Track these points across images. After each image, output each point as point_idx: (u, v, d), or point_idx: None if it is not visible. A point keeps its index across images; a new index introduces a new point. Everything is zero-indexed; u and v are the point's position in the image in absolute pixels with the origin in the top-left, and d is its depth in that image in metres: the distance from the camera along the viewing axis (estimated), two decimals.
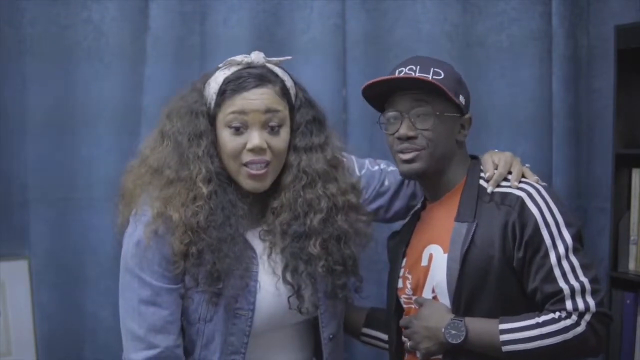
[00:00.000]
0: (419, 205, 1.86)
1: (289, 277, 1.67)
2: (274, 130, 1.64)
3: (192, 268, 1.60)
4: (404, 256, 1.80)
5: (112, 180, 2.04)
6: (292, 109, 1.70)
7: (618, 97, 2.26)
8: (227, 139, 1.64)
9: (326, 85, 2.34)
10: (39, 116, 2.30)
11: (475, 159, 1.80)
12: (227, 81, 1.64)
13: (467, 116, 1.75)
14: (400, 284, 1.79)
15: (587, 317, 1.57)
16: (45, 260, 2.32)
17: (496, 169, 1.72)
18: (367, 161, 1.91)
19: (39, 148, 2.30)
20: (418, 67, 1.68)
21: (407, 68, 1.69)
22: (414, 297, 1.74)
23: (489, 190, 1.68)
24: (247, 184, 1.65)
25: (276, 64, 1.71)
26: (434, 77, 1.66)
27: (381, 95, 1.74)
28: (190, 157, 1.62)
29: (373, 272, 2.26)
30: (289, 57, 1.75)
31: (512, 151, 1.97)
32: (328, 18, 2.34)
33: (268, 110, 1.63)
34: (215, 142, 1.66)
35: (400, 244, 1.82)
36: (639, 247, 2.26)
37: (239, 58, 1.68)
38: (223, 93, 1.64)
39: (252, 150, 1.62)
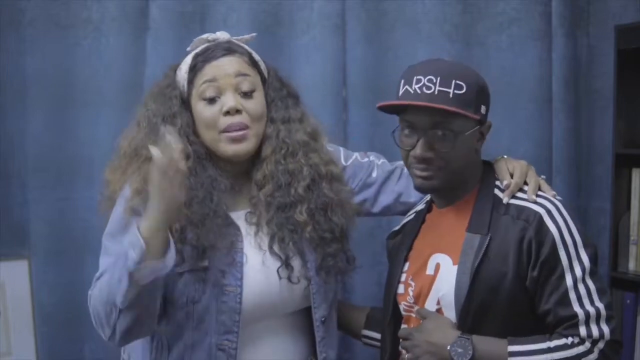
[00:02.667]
0: (422, 207, 1.77)
1: (276, 248, 1.67)
2: (247, 95, 1.67)
3: (177, 244, 1.57)
4: (405, 260, 1.72)
5: None
6: (263, 80, 1.73)
7: (618, 97, 2.26)
8: (203, 110, 1.66)
9: (326, 85, 2.34)
10: (39, 117, 2.30)
11: (487, 164, 1.71)
12: (196, 56, 1.69)
13: (487, 124, 1.65)
14: (401, 290, 1.71)
15: (601, 344, 1.52)
16: (45, 260, 2.32)
17: (512, 177, 1.65)
18: (356, 154, 1.91)
19: (40, 147, 2.30)
20: (439, 78, 1.53)
21: (427, 79, 1.54)
22: (416, 307, 1.66)
23: (505, 200, 1.59)
24: (229, 149, 1.66)
25: (241, 41, 1.75)
26: (456, 91, 1.53)
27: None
28: None
29: (373, 274, 2.27)
30: (254, 34, 1.79)
31: (512, 151, 1.96)
32: (328, 18, 2.34)
33: (238, 74, 1.67)
34: (190, 123, 1.68)
35: (402, 247, 1.75)
36: (639, 247, 2.26)
37: (205, 36, 1.72)
38: (194, 68, 1.68)
39: (228, 113, 1.64)
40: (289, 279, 1.67)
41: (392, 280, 1.74)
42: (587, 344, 1.51)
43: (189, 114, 1.68)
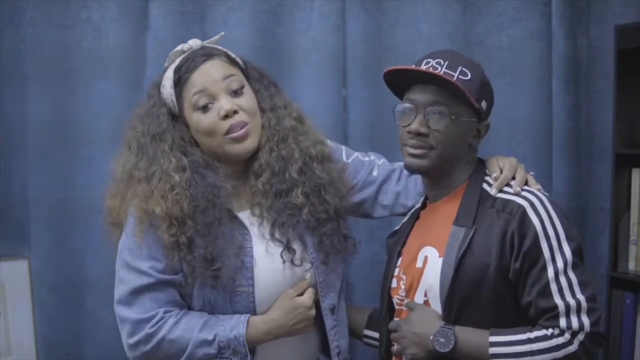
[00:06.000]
0: (419, 205, 1.82)
1: (277, 234, 1.70)
2: (237, 93, 1.70)
3: (186, 256, 1.62)
4: (399, 255, 1.76)
5: None
6: (246, 75, 1.76)
7: (618, 97, 2.26)
8: (200, 120, 1.68)
9: (326, 85, 2.34)
10: (40, 118, 2.30)
11: (481, 161, 1.75)
12: (177, 70, 1.70)
13: (485, 122, 1.70)
14: (394, 284, 1.75)
15: (581, 336, 1.52)
16: (45, 260, 2.32)
17: (501, 172, 1.69)
18: (357, 153, 1.94)
19: (40, 148, 2.30)
20: (447, 62, 1.62)
21: (435, 61, 1.63)
22: (405, 300, 1.70)
23: (493, 192, 1.63)
24: (235, 149, 1.69)
25: (214, 43, 1.77)
26: (460, 76, 1.60)
27: (403, 82, 1.68)
28: (158, 154, 1.67)
29: (374, 273, 2.26)
30: (222, 33, 1.81)
31: (512, 151, 1.96)
32: (328, 18, 2.34)
33: (225, 77, 1.69)
34: (185, 135, 1.70)
35: (397, 243, 1.79)
36: (639, 247, 2.26)
37: (178, 48, 1.74)
38: (179, 82, 1.69)
39: (227, 116, 1.66)
40: (292, 262, 1.70)
41: (387, 275, 1.78)
42: (567, 336, 1.51)
43: (181, 126, 1.70)
